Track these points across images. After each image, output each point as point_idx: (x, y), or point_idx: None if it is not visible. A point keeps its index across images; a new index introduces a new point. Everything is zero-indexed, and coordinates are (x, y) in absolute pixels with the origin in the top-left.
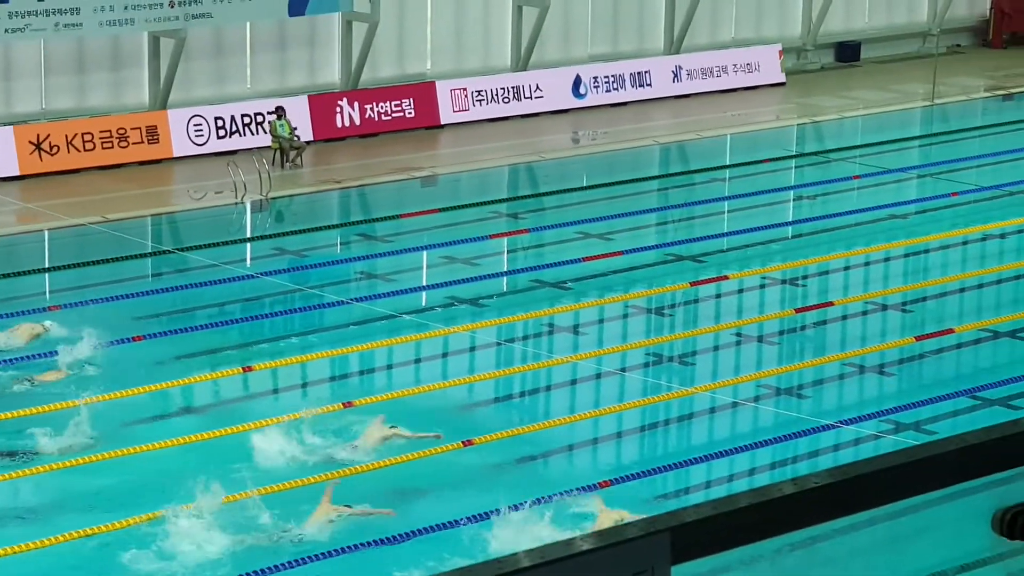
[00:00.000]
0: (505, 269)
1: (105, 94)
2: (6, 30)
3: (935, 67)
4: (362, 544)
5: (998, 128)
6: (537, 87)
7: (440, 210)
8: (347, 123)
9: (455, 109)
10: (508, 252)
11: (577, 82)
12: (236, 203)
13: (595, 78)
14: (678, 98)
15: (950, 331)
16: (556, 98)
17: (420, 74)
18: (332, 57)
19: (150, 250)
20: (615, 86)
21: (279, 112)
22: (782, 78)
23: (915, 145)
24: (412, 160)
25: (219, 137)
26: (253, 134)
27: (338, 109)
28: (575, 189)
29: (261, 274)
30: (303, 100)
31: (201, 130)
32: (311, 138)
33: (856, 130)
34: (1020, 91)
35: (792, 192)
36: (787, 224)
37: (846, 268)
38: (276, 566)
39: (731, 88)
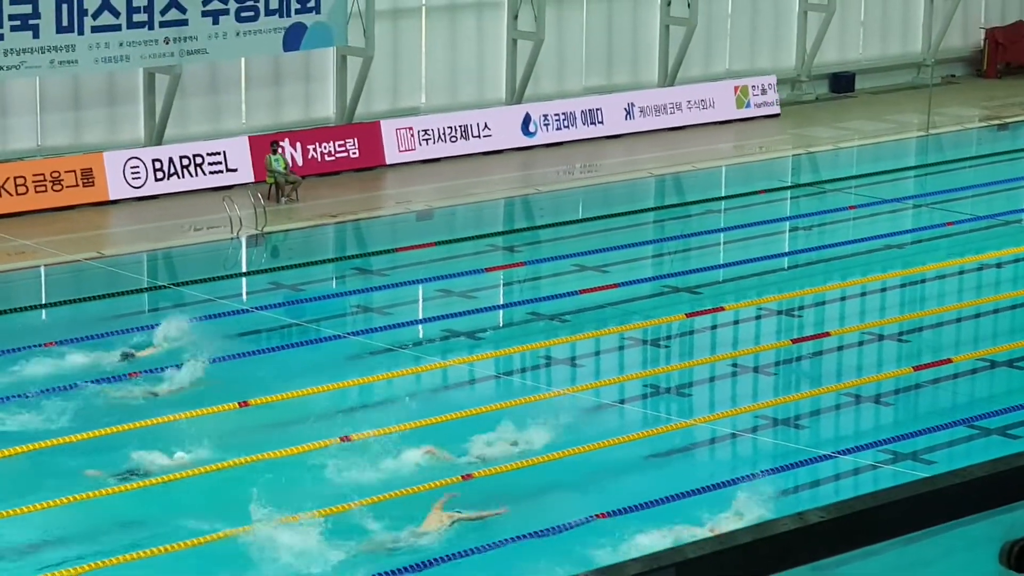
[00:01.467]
0: (501, 302)
1: (101, 131)
2: (1, 67)
3: (930, 97)
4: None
5: (993, 158)
6: (486, 126)
7: (436, 243)
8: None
9: (401, 149)
10: (504, 285)
11: (527, 120)
12: (232, 238)
13: (545, 116)
14: (633, 135)
15: (947, 361)
16: (505, 137)
17: (414, 108)
18: (327, 92)
19: (146, 285)
20: (565, 124)
21: (274, 147)
22: (736, 114)
23: (910, 175)
24: (407, 194)
25: (156, 180)
26: (191, 175)
27: (280, 150)
28: (571, 222)
29: (256, 308)
30: (243, 141)
31: (138, 172)
32: (250, 179)
33: (851, 160)
34: (1015, 121)
35: (788, 223)
36: (783, 255)
37: (842, 298)
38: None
39: (686, 124)
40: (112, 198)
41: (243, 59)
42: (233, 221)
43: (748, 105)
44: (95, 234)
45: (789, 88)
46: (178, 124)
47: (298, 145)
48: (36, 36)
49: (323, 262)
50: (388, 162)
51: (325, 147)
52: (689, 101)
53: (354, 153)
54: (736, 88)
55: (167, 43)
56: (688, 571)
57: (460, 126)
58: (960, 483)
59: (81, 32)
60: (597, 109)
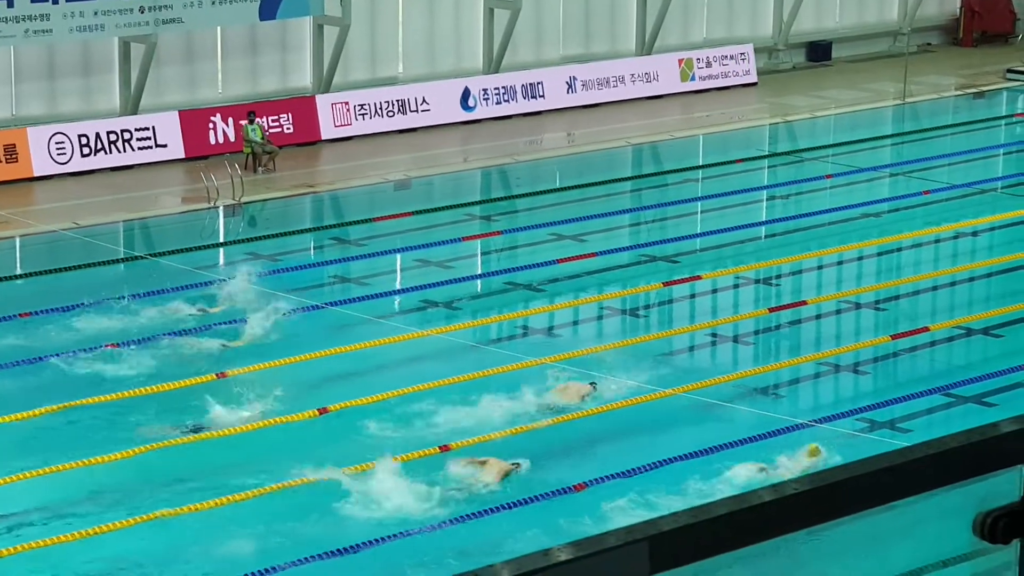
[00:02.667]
0: (479, 271)
1: (76, 100)
2: None
3: (906, 66)
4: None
5: (969, 126)
6: (424, 100)
7: (413, 213)
8: (221, 140)
9: (336, 124)
10: (482, 255)
11: (466, 95)
12: (209, 208)
13: (484, 90)
14: (574, 109)
15: (924, 329)
16: (444, 111)
17: (392, 77)
18: (304, 61)
19: (122, 255)
20: (506, 98)
21: (250, 117)
22: (680, 87)
23: (887, 144)
24: (387, 163)
25: (83, 156)
26: (119, 151)
27: (211, 125)
28: (548, 191)
29: (232, 278)
30: (174, 116)
31: (63, 147)
32: (182, 155)
33: (828, 129)
34: (990, 89)
35: (765, 192)
36: (760, 224)
37: (819, 267)
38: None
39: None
40: (37, 174)
41: (219, 28)
42: (210, 191)
43: (693, 78)
44: (70, 205)
45: (766, 57)
46: (154, 94)
47: (230, 120)
48: (11, 5)
49: (301, 232)
50: (323, 137)
51: (262, 121)
52: (633, 74)
53: (288, 129)
54: (680, 61)
55: (142, 12)
56: (662, 544)
57: (398, 100)
58: (935, 453)
59: (56, 1)
60: (538, 83)
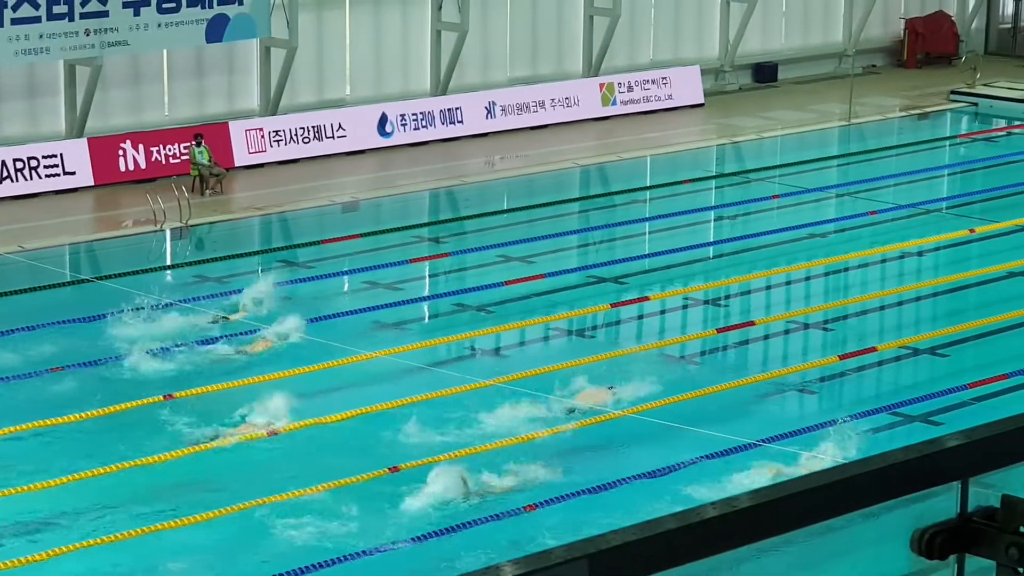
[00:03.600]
0: (427, 293)
1: (21, 123)
2: None
3: (851, 87)
4: None
5: (914, 147)
6: (340, 126)
7: (362, 235)
8: (131, 167)
9: (250, 151)
10: (430, 276)
11: (383, 120)
12: (156, 231)
13: (402, 116)
14: (495, 134)
15: (872, 349)
16: (360, 137)
17: (340, 99)
18: (251, 83)
19: (68, 279)
20: (424, 124)
21: (198, 139)
22: (600, 112)
23: (833, 164)
24: (333, 186)
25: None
26: (25, 179)
27: (121, 152)
28: (496, 212)
29: (181, 302)
30: (82, 143)
31: None
32: (90, 182)
33: (775, 150)
34: (935, 110)
35: (712, 212)
36: (708, 244)
37: (767, 287)
38: None
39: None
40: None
41: (165, 51)
42: (157, 214)
43: (614, 103)
44: (15, 228)
45: (713, 78)
46: (99, 116)
47: (141, 146)
48: None
49: (249, 254)
50: (236, 164)
51: (171, 149)
52: (553, 99)
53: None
54: (601, 86)
55: (88, 35)
56: (603, 560)
57: (313, 127)
58: (875, 469)
59: (0, 24)
60: (457, 108)
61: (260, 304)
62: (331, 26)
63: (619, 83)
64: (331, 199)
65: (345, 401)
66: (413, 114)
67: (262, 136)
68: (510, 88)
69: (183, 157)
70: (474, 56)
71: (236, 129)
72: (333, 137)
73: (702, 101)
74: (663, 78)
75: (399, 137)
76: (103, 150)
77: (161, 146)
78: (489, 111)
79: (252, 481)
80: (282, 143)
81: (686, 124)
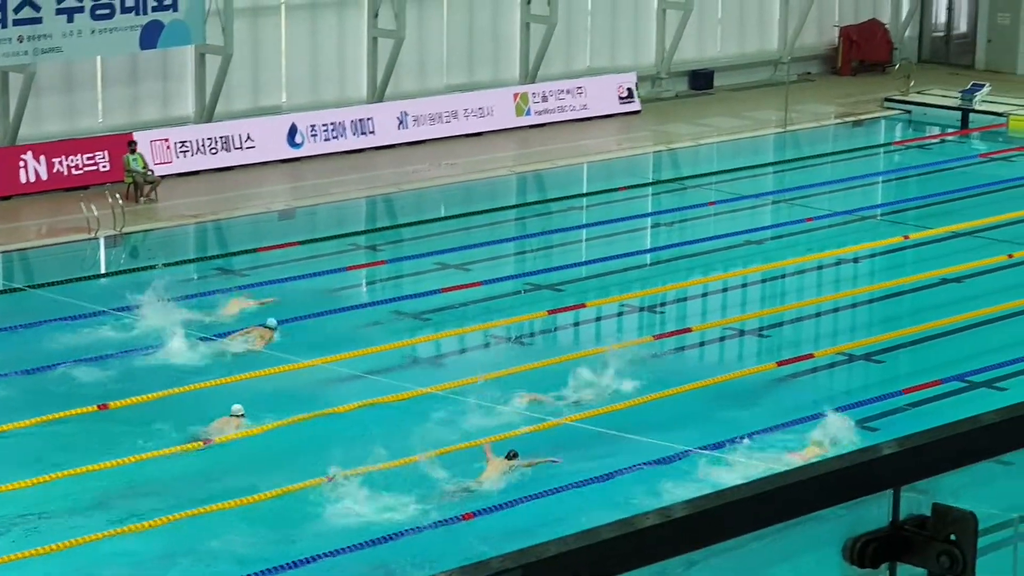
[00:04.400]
0: (363, 301)
1: None
2: None
3: (787, 94)
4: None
5: (849, 154)
6: (248, 137)
7: (299, 243)
8: (32, 178)
9: (157, 161)
10: (367, 284)
11: (293, 131)
12: (89, 239)
13: (312, 126)
14: (406, 145)
15: (808, 356)
16: (270, 148)
17: (276, 106)
18: (186, 90)
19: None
20: (334, 135)
21: (131, 146)
22: (515, 122)
23: (769, 171)
24: (269, 193)
25: None
26: None
27: (22, 164)
28: (432, 220)
29: (115, 310)
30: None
31: None
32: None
33: (711, 157)
34: (869, 118)
35: (649, 219)
36: (644, 251)
37: (704, 294)
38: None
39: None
40: None
41: (99, 57)
42: (91, 221)
43: (528, 113)
44: None
45: (649, 85)
46: (33, 123)
47: (41, 157)
48: None
49: (184, 262)
50: (171, 171)
51: (74, 159)
52: (466, 109)
53: (104, 167)
54: (516, 96)
55: (21, 41)
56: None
57: (221, 138)
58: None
59: None
60: (368, 119)
61: (202, 312)
62: (267, 33)
63: (534, 93)
64: (267, 206)
65: (281, 409)
66: (352, 120)
67: (196, 143)
68: (426, 98)
69: (86, 168)
70: (411, 63)
71: (170, 136)
72: (268, 144)
73: (639, 108)
74: (578, 88)
75: (334, 144)
76: (4, 162)
77: (63, 157)
78: (402, 121)
79: (181, 491)
80: (217, 150)
81: (622, 131)
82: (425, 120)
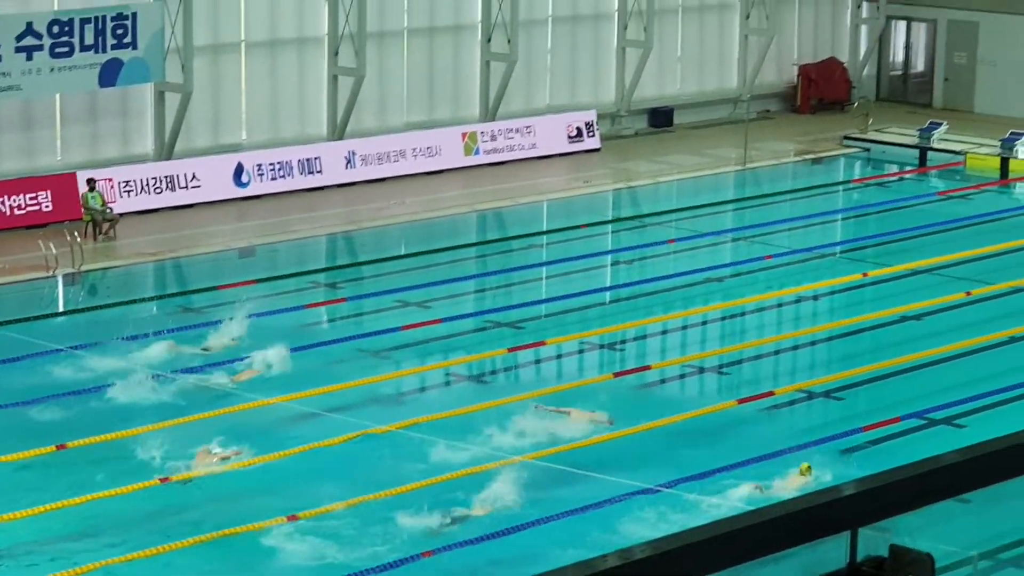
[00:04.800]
0: (324, 339)
1: None
2: None
3: (746, 132)
4: None
5: (808, 192)
6: (194, 176)
7: (258, 281)
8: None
9: (145, 196)
10: (327, 321)
11: (239, 170)
12: (48, 277)
13: (259, 166)
14: (351, 185)
15: (769, 393)
16: (216, 187)
17: (236, 144)
18: (145, 128)
19: None
20: (281, 174)
21: (91, 184)
22: (463, 162)
23: (729, 209)
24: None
25: None
26: None
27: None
28: (393, 258)
29: (72, 348)
30: None
31: None
32: None
33: (671, 194)
34: (828, 155)
35: (609, 257)
36: (605, 289)
37: (664, 332)
38: None
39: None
40: None
41: (58, 95)
42: (49, 260)
43: (477, 152)
44: None
45: (609, 123)
46: None
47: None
48: None
49: (144, 300)
50: (130, 209)
51: (17, 199)
52: (414, 149)
53: (47, 207)
54: (464, 135)
55: None
56: None
57: (165, 177)
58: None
59: None
60: (316, 158)
61: (156, 350)
62: (227, 70)
63: (483, 132)
64: (227, 244)
65: (239, 448)
66: (307, 158)
67: (156, 181)
68: (374, 138)
69: (29, 208)
70: (371, 101)
71: (130, 174)
72: (187, 187)
73: (599, 146)
74: (527, 127)
75: (294, 183)
76: None
77: (4, 197)
78: (349, 161)
79: (139, 528)
80: (177, 188)
81: (581, 168)
82: (373, 159)
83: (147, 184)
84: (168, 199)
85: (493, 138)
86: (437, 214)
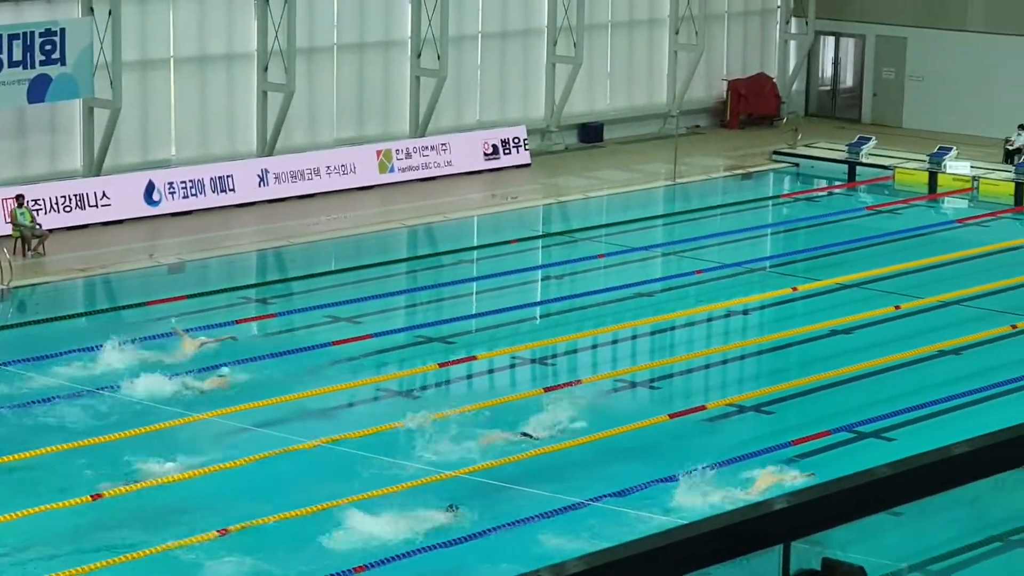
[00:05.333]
0: (253, 355)
1: None
2: None
3: (676, 147)
4: None
5: (738, 206)
6: (104, 195)
7: (188, 296)
8: None
9: (6, 220)
10: (257, 337)
11: (150, 189)
12: None
13: (171, 184)
14: (270, 202)
15: (701, 408)
16: (127, 206)
17: (165, 160)
18: (74, 144)
19: None
20: (193, 192)
21: (19, 200)
22: (379, 179)
23: (659, 224)
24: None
25: None
26: None
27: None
28: (323, 273)
29: (2, 365)
30: None
31: None
32: None
33: (601, 209)
34: (757, 170)
35: (540, 272)
36: (535, 304)
37: (594, 346)
38: None
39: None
40: None
41: None
42: None
43: (392, 170)
44: None
45: (539, 138)
46: None
47: None
48: None
49: (73, 316)
50: (59, 225)
51: None
52: (328, 167)
53: None
54: (379, 153)
55: None
56: None
57: (137, 188)
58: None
59: None
60: (228, 176)
61: (88, 366)
62: (156, 86)
63: (397, 150)
64: (156, 260)
65: (171, 463)
66: (220, 176)
67: (85, 197)
68: (277, 157)
69: None
70: (301, 116)
71: (58, 190)
72: (97, 206)
73: (529, 161)
74: (443, 144)
75: (207, 200)
76: None
77: None
78: (262, 179)
79: (70, 546)
80: (106, 204)
81: (513, 184)
82: (286, 178)
83: (120, 194)
84: (141, 209)
85: (409, 155)
86: (367, 230)
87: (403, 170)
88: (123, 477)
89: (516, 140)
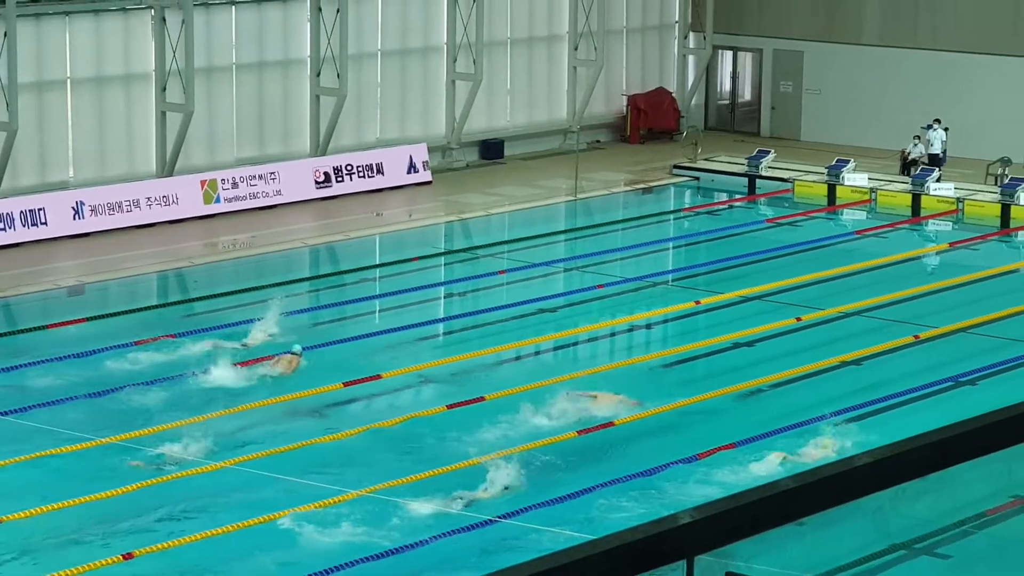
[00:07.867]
0: (159, 377)
1: None
2: None
3: (576, 163)
4: None
5: (639, 221)
6: (64, 209)
7: (88, 319)
8: None
9: None
10: (160, 360)
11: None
12: None
13: (8, 214)
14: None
15: (609, 424)
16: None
17: (63, 182)
18: None
19: None
20: (2, 226)
21: None
22: (203, 210)
23: (561, 239)
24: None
25: None
26: None
27: None
28: (224, 294)
29: None
30: None
31: None
32: None
33: (503, 226)
34: (658, 185)
35: (442, 289)
36: (438, 321)
37: (498, 363)
38: None
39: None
40: None
41: None
42: None
43: (218, 200)
44: None
45: (440, 155)
46: None
47: None
48: None
49: None
50: None
51: None
52: (149, 198)
53: None
54: (203, 183)
55: None
56: None
57: (34, 210)
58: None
59: None
60: (40, 209)
61: None
62: (53, 107)
63: (223, 180)
64: (55, 283)
65: (64, 490)
66: (31, 209)
67: None
68: (94, 188)
69: None
70: (201, 136)
71: None
72: (56, 221)
73: (430, 179)
74: (271, 173)
75: (16, 235)
76: None
77: None
78: (77, 212)
79: None
80: (2, 227)
81: (414, 201)
82: (104, 210)
83: (15, 217)
84: (38, 232)
85: (235, 185)
86: (269, 249)
87: (228, 200)
88: (26, 503)
89: (338, 168)
